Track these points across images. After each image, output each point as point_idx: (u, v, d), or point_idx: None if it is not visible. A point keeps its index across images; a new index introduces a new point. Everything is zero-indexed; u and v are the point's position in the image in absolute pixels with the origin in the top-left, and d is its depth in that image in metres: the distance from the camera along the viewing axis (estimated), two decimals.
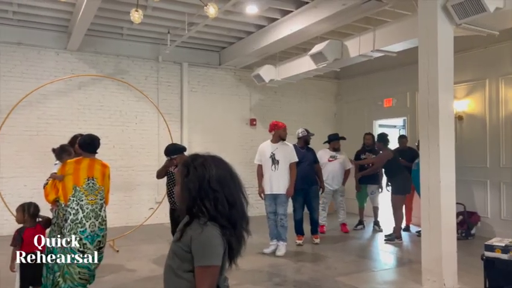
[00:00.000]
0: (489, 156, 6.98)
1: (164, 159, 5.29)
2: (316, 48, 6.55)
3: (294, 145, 6.33)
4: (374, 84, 9.52)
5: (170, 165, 5.16)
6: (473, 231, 6.90)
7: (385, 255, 6.10)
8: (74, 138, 4.42)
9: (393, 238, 6.65)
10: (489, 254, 3.59)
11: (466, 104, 7.34)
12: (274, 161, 5.83)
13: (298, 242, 6.44)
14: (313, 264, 5.38)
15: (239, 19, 6.99)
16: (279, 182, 5.79)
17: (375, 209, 7.78)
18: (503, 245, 3.55)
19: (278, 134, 5.94)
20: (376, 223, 7.76)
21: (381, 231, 7.60)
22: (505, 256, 3.49)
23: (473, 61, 7.23)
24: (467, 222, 6.88)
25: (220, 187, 1.70)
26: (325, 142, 7.65)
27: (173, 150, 5.17)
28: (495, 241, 3.71)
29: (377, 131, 9.75)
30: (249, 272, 5.10)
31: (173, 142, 6.53)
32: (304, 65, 7.35)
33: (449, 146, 4.44)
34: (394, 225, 6.79)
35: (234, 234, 1.70)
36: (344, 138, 7.62)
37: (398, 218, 6.78)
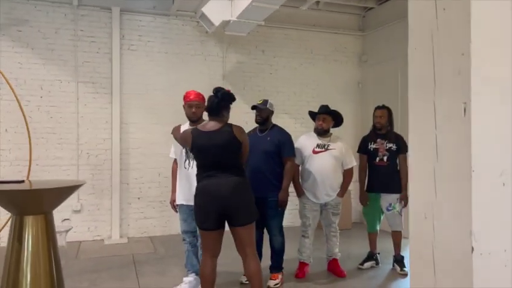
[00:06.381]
0: None
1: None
2: None
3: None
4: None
5: None
6: None
7: None
8: None
9: None
10: None
11: None
12: (188, 155, 3.61)
13: (244, 279, 4.03)
14: None
15: None
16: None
17: (396, 236, 4.53)
18: None
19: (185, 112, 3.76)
20: (398, 260, 4.53)
21: (405, 274, 4.38)
22: None
23: None
24: None
25: None
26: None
27: None
28: None
29: None
30: None
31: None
32: None
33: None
34: None
35: None
36: (335, 113, 4.33)
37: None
